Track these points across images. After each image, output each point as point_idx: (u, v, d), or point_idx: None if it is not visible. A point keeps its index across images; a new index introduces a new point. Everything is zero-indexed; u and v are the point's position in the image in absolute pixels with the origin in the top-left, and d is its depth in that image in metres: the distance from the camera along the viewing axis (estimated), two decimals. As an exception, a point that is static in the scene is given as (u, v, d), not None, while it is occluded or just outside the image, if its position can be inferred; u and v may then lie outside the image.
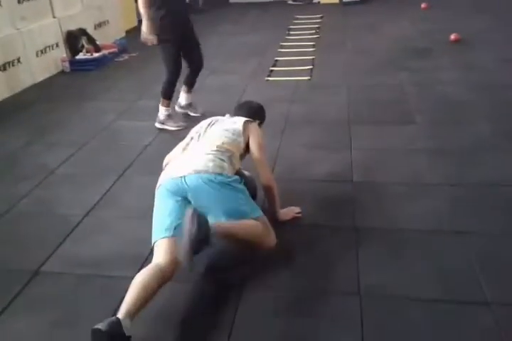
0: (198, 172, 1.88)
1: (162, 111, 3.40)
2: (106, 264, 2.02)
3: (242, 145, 2.14)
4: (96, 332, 1.42)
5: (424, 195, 2.42)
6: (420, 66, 4.47)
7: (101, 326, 1.42)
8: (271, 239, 1.98)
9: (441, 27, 5.77)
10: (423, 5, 7.01)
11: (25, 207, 2.50)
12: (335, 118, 3.43)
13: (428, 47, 5.04)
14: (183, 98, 3.57)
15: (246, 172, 2.30)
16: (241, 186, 1.97)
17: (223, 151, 2.02)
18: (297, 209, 2.31)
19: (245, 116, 2.29)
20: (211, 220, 1.81)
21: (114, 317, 1.48)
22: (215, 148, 2.02)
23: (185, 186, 1.87)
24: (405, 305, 1.73)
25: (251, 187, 2.24)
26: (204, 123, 2.25)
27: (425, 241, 2.08)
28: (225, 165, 1.97)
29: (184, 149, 2.11)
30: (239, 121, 2.19)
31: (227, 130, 2.12)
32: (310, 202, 2.38)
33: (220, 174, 1.91)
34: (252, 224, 1.91)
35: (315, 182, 2.60)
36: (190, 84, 3.51)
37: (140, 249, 2.08)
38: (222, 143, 2.05)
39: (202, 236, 1.68)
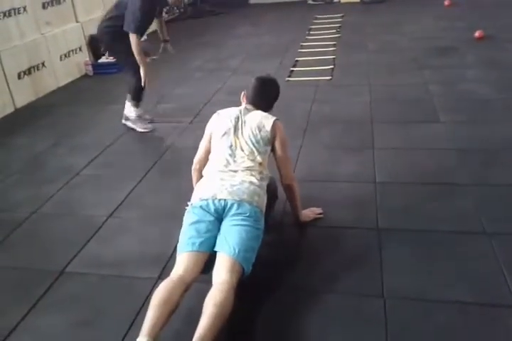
0: (243, 200, 1.85)
1: (131, 111, 3.40)
2: (129, 265, 2.04)
3: (270, 150, 2.10)
4: None
5: (450, 196, 2.37)
6: (444, 64, 4.39)
7: None
8: (232, 289, 1.66)
9: (465, 24, 5.66)
10: (446, 2, 6.89)
11: (51, 208, 2.55)
12: (357, 118, 3.39)
13: (452, 45, 4.94)
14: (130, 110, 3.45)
15: (268, 174, 2.28)
16: (262, 232, 1.90)
17: (263, 178, 2.00)
18: (319, 210, 2.29)
19: (270, 101, 2.19)
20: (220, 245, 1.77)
21: None
22: (258, 174, 1.97)
23: (226, 209, 1.84)
24: (430, 308, 1.70)
25: (272, 188, 2.22)
26: (226, 119, 2.09)
27: (450, 242, 2.04)
28: (265, 198, 1.96)
29: (219, 158, 2.02)
30: (266, 126, 2.06)
31: (258, 142, 2.03)
32: (332, 203, 2.36)
33: (261, 212, 1.90)
34: (227, 305, 1.58)
35: (337, 182, 2.58)
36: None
37: (163, 249, 2.10)
38: (260, 164, 2.01)
39: None
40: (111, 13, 3.26)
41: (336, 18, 6.82)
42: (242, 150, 2.02)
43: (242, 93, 2.23)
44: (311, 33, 6.12)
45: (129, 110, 3.44)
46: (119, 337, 1.66)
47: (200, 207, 1.87)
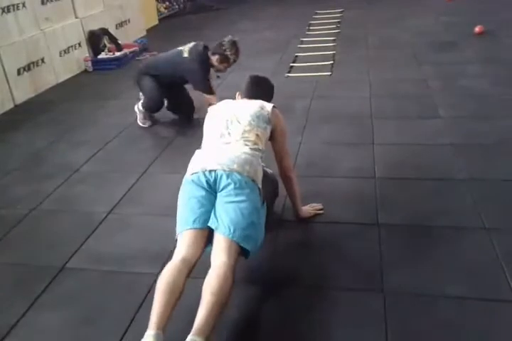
0: (232, 170, 1.79)
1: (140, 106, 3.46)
2: (130, 261, 2.04)
3: (269, 133, 2.05)
4: None
5: (449, 191, 2.37)
6: (444, 60, 4.38)
7: None
8: (231, 274, 1.62)
9: (465, 19, 5.64)
10: (447, -4, 6.86)
11: (51, 205, 2.55)
12: (357, 114, 3.39)
13: (452, 41, 4.94)
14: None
15: (268, 170, 2.28)
16: (261, 201, 1.85)
17: (259, 149, 1.94)
18: (319, 206, 2.29)
19: (264, 96, 2.19)
20: (217, 216, 1.73)
21: None
22: (253, 146, 1.92)
23: (217, 181, 1.78)
24: (430, 303, 1.71)
25: (273, 185, 2.22)
26: (224, 105, 2.12)
27: (450, 237, 2.04)
28: (259, 170, 1.89)
29: (213, 132, 2.00)
30: (267, 107, 2.06)
31: (258, 117, 2.00)
32: (332, 199, 2.36)
33: (254, 180, 1.82)
34: (224, 291, 1.54)
35: (337, 178, 2.58)
36: None
37: (163, 245, 2.09)
38: (257, 136, 1.95)
39: None
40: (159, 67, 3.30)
41: (335, 13, 6.80)
42: (239, 123, 1.98)
43: (237, 93, 2.24)
44: (310, 28, 6.10)
45: (139, 105, 3.47)
46: (119, 334, 1.67)
47: (192, 181, 1.82)
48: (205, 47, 3.22)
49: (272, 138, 2.09)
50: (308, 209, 2.26)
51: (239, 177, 1.78)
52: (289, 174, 2.15)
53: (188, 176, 1.87)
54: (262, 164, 2.15)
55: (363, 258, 1.97)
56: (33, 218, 2.43)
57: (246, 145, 1.91)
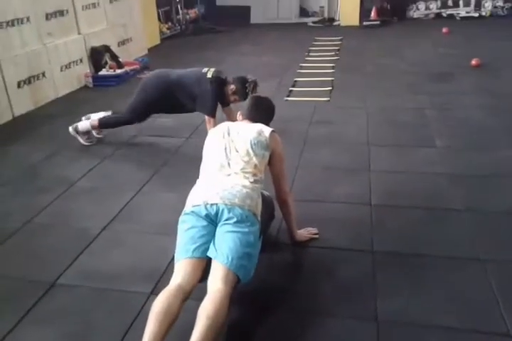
0: (233, 204, 1.82)
1: (87, 127, 3.44)
2: (122, 279, 2.02)
3: (267, 159, 2.06)
4: None
5: (444, 220, 2.39)
6: (441, 90, 4.48)
7: None
8: (226, 298, 1.63)
9: (462, 52, 5.79)
10: (444, 29, 7.06)
11: (45, 218, 2.53)
12: (354, 140, 3.43)
13: (449, 72, 5.05)
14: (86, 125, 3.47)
15: (265, 193, 2.29)
16: (258, 236, 1.87)
17: (259, 181, 1.97)
18: (314, 231, 2.29)
19: (265, 118, 2.22)
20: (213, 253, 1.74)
21: None
22: (253, 179, 1.93)
23: (218, 214, 1.82)
24: (423, 333, 1.70)
25: (269, 207, 2.22)
26: (220, 127, 2.13)
27: (445, 267, 2.05)
28: (259, 202, 1.92)
29: (212, 162, 2.01)
30: (265, 132, 2.07)
31: (255, 144, 2.01)
32: (327, 224, 2.36)
33: (255, 215, 1.85)
34: (220, 316, 1.55)
35: (333, 203, 2.59)
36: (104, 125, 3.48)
37: (157, 264, 2.08)
38: (255, 166, 1.97)
39: None
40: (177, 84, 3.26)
41: (335, 40, 6.95)
42: (237, 152, 1.99)
43: (238, 113, 2.27)
44: (310, 54, 6.22)
45: (86, 125, 3.45)
46: (108, 353, 1.64)
47: (193, 212, 1.84)
48: (226, 77, 3.26)
49: (270, 162, 2.10)
50: (303, 233, 2.26)
51: (240, 211, 1.81)
52: (286, 198, 2.17)
53: (188, 208, 1.89)
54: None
55: (356, 285, 1.96)
56: (26, 231, 2.40)
57: (246, 177, 1.94)
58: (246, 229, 1.79)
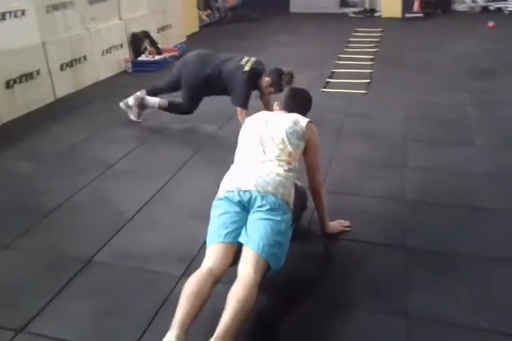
0: (267, 191, 1.82)
1: (155, 102, 3.49)
2: (154, 260, 2.07)
3: (302, 149, 2.06)
4: None
5: (480, 220, 2.34)
6: (483, 87, 4.34)
7: None
8: (256, 286, 1.64)
9: (508, 47, 5.59)
10: (490, 23, 6.81)
11: (83, 198, 2.60)
12: (390, 134, 3.38)
13: (492, 68, 4.88)
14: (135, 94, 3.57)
15: (298, 183, 2.29)
16: (290, 223, 1.89)
17: (293, 169, 1.97)
18: (346, 223, 2.28)
19: (302, 109, 2.21)
20: (247, 233, 1.77)
21: None
22: (287, 168, 1.93)
23: (251, 201, 1.82)
24: (452, 331, 1.68)
25: (302, 197, 2.22)
26: (261, 117, 2.14)
27: (478, 267, 2.01)
28: (292, 190, 1.92)
29: (247, 149, 2.02)
30: (301, 122, 2.06)
31: (291, 133, 2.01)
32: (359, 217, 2.34)
33: (287, 203, 1.86)
34: (250, 300, 1.57)
35: (366, 197, 2.57)
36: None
37: (188, 247, 2.12)
38: (290, 154, 1.97)
39: None
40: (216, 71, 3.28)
41: (375, 32, 6.82)
42: (272, 140, 1.99)
43: (275, 103, 2.27)
44: (349, 45, 6.13)
45: (153, 101, 3.52)
46: (139, 330, 1.69)
47: (226, 198, 1.86)
48: (263, 68, 3.25)
49: (305, 152, 2.10)
50: (335, 225, 2.26)
51: (273, 199, 1.82)
52: (319, 188, 2.16)
53: (221, 193, 1.90)
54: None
55: (386, 279, 1.95)
56: (65, 210, 2.49)
57: (280, 165, 1.94)
58: (278, 218, 1.79)
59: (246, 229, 1.79)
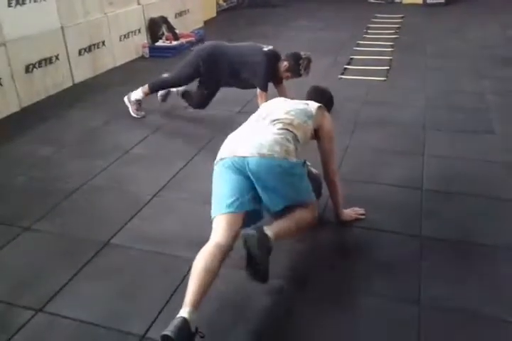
0: (262, 155, 1.78)
1: (138, 94, 3.47)
2: (170, 243, 2.10)
3: (311, 130, 2.01)
4: (166, 339, 1.39)
5: (498, 210, 2.31)
6: (505, 75, 4.24)
7: (170, 332, 1.39)
8: (315, 219, 1.93)
9: (532, 35, 5.44)
10: (515, 10, 6.62)
11: (100, 182, 2.64)
12: (409, 122, 3.33)
13: (516, 56, 4.77)
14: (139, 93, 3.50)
15: (313, 170, 2.29)
16: (302, 170, 1.89)
17: (290, 131, 1.90)
18: (361, 211, 2.28)
19: (317, 102, 2.17)
20: (266, 202, 1.81)
21: (181, 319, 1.44)
22: (283, 127, 1.90)
23: (247, 168, 1.79)
24: (466, 321, 1.68)
25: (316, 185, 2.22)
26: (274, 101, 2.16)
27: (493, 257, 2.00)
28: (291, 148, 1.85)
29: (251, 118, 2.05)
30: (312, 104, 2.06)
31: (299, 108, 2.00)
32: (375, 205, 2.34)
33: (285, 159, 1.81)
34: (304, 216, 1.84)
35: (382, 185, 2.55)
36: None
37: (203, 232, 2.11)
38: (291, 122, 1.93)
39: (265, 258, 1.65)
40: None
41: (395, 18, 6.69)
42: (277, 110, 1.99)
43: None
44: (368, 31, 6.02)
45: (137, 93, 3.50)
46: (154, 312, 1.72)
47: (223, 165, 1.83)
48: (279, 54, 3.23)
49: (318, 137, 2.08)
50: (349, 212, 2.25)
51: (270, 161, 1.78)
52: (334, 177, 2.15)
53: (218, 160, 1.88)
54: (308, 163, 2.16)
55: (400, 267, 1.94)
56: (83, 193, 2.53)
57: (273, 125, 1.91)
58: (285, 179, 1.81)
59: (263, 199, 1.81)
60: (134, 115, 3.53)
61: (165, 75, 3.54)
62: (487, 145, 2.97)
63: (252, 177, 1.80)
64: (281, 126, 1.90)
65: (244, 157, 1.79)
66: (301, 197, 1.87)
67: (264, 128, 1.91)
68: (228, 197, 1.77)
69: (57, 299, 1.79)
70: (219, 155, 1.90)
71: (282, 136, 1.86)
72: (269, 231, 1.68)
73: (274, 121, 1.93)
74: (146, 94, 3.52)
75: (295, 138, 1.91)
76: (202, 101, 3.42)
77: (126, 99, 3.56)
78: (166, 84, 3.49)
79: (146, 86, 3.50)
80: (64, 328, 1.67)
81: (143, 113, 3.55)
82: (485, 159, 2.80)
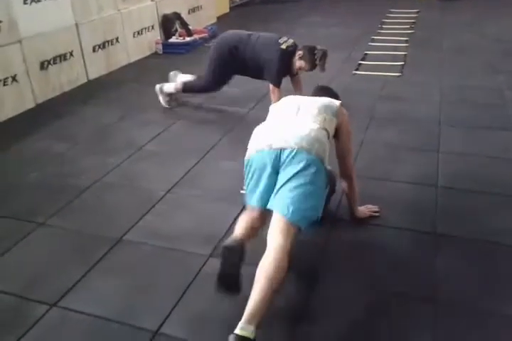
0: (300, 147, 1.71)
1: (171, 88, 3.51)
2: (183, 240, 2.10)
3: (335, 127, 1.97)
4: None
5: (513, 208, 2.27)
6: (523, 70, 4.16)
7: None
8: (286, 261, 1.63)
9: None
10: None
11: (113, 178, 2.65)
12: (424, 118, 3.29)
13: (534, 50, 4.67)
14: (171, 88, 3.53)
15: (328, 167, 2.26)
16: (324, 179, 1.81)
17: (326, 130, 1.85)
18: (375, 208, 2.25)
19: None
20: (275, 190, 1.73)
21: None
22: (320, 126, 1.83)
23: (282, 159, 1.72)
24: (481, 318, 1.65)
25: (331, 181, 2.21)
26: (291, 97, 2.10)
27: (509, 255, 1.96)
28: (327, 147, 1.81)
29: (279, 111, 1.98)
30: (335, 101, 2.02)
31: (326, 107, 1.95)
32: (389, 203, 2.31)
33: (321, 160, 1.75)
34: (278, 279, 1.55)
35: (397, 182, 2.52)
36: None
37: (216, 228, 2.14)
38: (325, 119, 1.88)
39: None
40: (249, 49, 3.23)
41: (411, 13, 6.60)
42: (307, 107, 1.93)
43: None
44: (383, 26, 5.95)
45: (171, 87, 3.53)
46: (167, 308, 1.72)
47: (256, 158, 1.77)
48: (294, 50, 3.20)
49: (336, 135, 2.05)
50: (364, 210, 2.23)
51: (307, 156, 1.70)
52: (350, 174, 2.12)
53: (251, 153, 1.82)
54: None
55: (415, 265, 1.92)
56: (96, 189, 2.54)
57: (314, 122, 1.84)
58: (310, 178, 1.68)
59: (275, 193, 1.70)
60: (165, 105, 3.58)
61: (195, 78, 3.54)
62: (505, 142, 2.91)
63: (282, 168, 1.72)
64: (319, 123, 1.85)
65: (281, 148, 1.73)
66: (303, 210, 1.67)
67: (302, 122, 1.84)
68: (257, 192, 1.78)
69: (70, 294, 1.81)
70: (250, 148, 1.84)
71: (322, 134, 1.80)
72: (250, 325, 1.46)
73: (310, 116, 1.87)
74: (178, 92, 3.54)
75: (328, 136, 1.88)
76: (212, 82, 3.38)
77: (157, 88, 3.58)
78: (201, 89, 3.50)
79: (180, 83, 3.51)
80: (77, 323, 1.68)
81: (174, 103, 3.61)
82: (501, 156, 2.75)
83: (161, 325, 1.65)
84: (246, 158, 1.86)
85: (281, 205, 1.67)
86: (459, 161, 2.71)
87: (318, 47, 3.13)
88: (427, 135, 3.03)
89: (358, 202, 2.19)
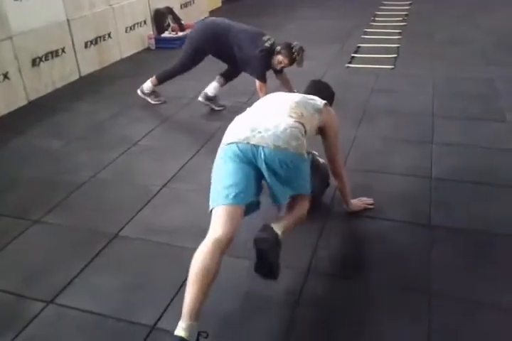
0: (277, 147, 1.69)
1: (149, 86, 3.52)
2: (179, 235, 2.11)
3: (316, 125, 1.96)
4: None
5: (507, 198, 2.29)
6: (515, 61, 4.17)
7: None
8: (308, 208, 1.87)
9: (543, 20, 5.33)
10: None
11: (109, 174, 2.65)
12: (417, 110, 3.30)
13: (526, 42, 4.69)
14: (212, 88, 3.48)
15: (320, 160, 2.28)
16: (308, 165, 1.87)
17: (302, 125, 1.82)
18: (369, 201, 2.27)
19: (322, 97, 2.11)
20: (276, 193, 1.78)
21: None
22: (297, 120, 1.81)
23: (260, 158, 1.70)
24: (476, 311, 1.67)
25: (324, 174, 2.22)
26: (276, 93, 2.10)
27: (505, 246, 1.98)
28: (304, 143, 1.80)
29: (257, 105, 2.00)
30: (319, 100, 2.01)
31: (307, 102, 1.95)
32: (383, 195, 2.33)
33: (299, 154, 1.76)
34: (304, 207, 1.82)
35: (391, 174, 2.54)
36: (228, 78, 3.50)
37: (212, 224, 2.14)
38: (302, 114, 1.86)
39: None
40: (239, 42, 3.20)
41: (403, 5, 6.59)
42: (286, 101, 1.93)
43: (295, 91, 2.24)
44: (376, 19, 5.95)
45: (148, 85, 3.53)
46: (164, 303, 1.73)
47: (231, 151, 1.72)
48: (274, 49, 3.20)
49: (323, 134, 2.05)
50: (357, 202, 2.24)
51: (284, 154, 1.71)
52: (341, 171, 2.14)
53: (225, 144, 1.77)
54: (315, 152, 2.15)
55: (410, 257, 1.94)
56: (92, 185, 2.54)
57: (290, 117, 1.82)
58: (295, 173, 1.77)
59: (272, 191, 1.78)
60: (156, 102, 3.58)
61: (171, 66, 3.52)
62: (498, 133, 2.93)
63: (264, 167, 1.71)
64: (295, 118, 1.83)
65: (257, 146, 1.70)
66: (305, 189, 1.84)
67: (278, 118, 1.81)
68: (234, 187, 1.65)
69: (67, 291, 1.81)
70: (226, 139, 1.79)
71: (297, 130, 1.79)
72: (279, 229, 1.65)
73: (287, 110, 1.86)
74: (155, 85, 3.53)
75: (305, 133, 1.86)
76: (186, 62, 3.38)
77: (139, 92, 3.58)
78: (175, 72, 3.47)
79: (153, 77, 3.51)
80: (74, 319, 1.69)
81: (163, 98, 3.61)
82: (495, 147, 2.77)
83: (158, 320, 1.66)
84: (218, 153, 1.81)
85: (282, 198, 1.81)
86: (452, 153, 2.72)
87: (294, 43, 3.15)
88: (421, 127, 3.04)
89: (351, 196, 2.20)
